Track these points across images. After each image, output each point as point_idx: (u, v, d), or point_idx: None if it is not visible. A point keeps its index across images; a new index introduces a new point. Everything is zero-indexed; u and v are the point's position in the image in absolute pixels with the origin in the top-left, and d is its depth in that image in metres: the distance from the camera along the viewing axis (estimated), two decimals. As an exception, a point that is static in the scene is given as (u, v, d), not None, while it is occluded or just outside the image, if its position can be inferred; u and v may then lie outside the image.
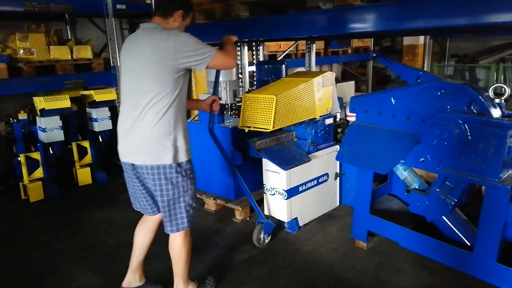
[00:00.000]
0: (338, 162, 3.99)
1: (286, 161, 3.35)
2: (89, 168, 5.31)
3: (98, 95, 5.13)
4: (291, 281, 3.02)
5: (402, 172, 3.23)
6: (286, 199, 3.50)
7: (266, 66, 4.42)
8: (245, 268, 3.21)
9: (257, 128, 3.26)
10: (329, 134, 3.82)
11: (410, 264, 3.15)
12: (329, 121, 3.83)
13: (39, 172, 4.78)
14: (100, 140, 5.37)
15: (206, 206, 4.35)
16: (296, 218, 3.64)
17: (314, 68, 6.57)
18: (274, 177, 3.53)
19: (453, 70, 8.97)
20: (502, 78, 7.69)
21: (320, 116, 3.63)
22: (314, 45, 6.09)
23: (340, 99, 3.94)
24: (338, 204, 4.15)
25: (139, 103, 2.36)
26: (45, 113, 4.63)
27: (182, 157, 2.48)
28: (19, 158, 4.65)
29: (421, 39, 9.21)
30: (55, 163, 5.07)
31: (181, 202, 2.53)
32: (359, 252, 3.36)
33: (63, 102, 4.72)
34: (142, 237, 2.81)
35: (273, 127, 3.15)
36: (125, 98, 2.47)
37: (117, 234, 3.86)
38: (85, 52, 5.21)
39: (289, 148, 3.54)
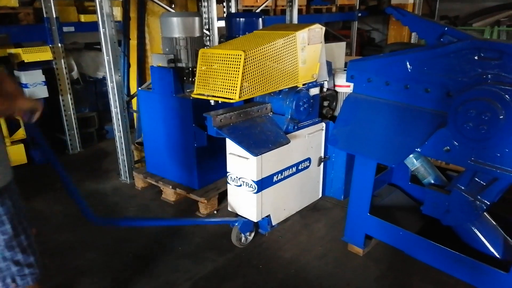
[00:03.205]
0: (322, 145, 3.21)
1: (257, 144, 2.52)
2: (22, 145, 4.35)
3: (28, 55, 4.09)
4: (267, 305, 2.30)
5: (413, 161, 2.48)
6: (255, 192, 2.69)
7: (238, 19, 3.50)
8: (208, 286, 2.45)
9: (216, 97, 2.40)
10: (313, 108, 3.00)
11: (418, 278, 2.48)
12: (314, 91, 3.00)
13: (-48, 152, 3.79)
14: (34, 111, 4.36)
15: (164, 196, 3.53)
16: (268, 216, 2.88)
17: (295, 26, 5.66)
18: (241, 163, 2.71)
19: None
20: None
21: (303, 85, 2.84)
22: (296, -2, 5.17)
23: (328, 64, 3.11)
24: (320, 195, 3.39)
25: None
26: (-47, 76, 3.58)
27: None
28: None
29: (411, -3, 8.43)
30: (-25, 140, 4.08)
31: None
32: (354, 260, 2.66)
33: (-24, 62, 3.67)
34: None
35: (239, 97, 2.30)
36: None
37: (45, 236, 3.01)
38: (7, -2, 4.08)
39: (261, 125, 2.71)
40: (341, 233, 2.84)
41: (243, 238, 2.82)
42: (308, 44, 2.73)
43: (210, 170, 3.33)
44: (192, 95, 2.54)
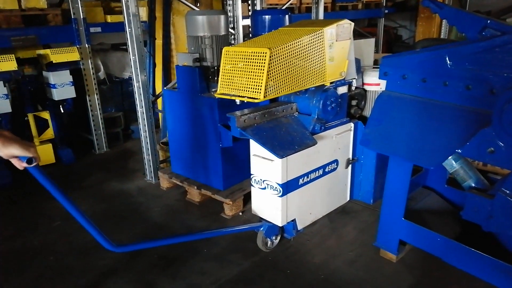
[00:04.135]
0: (351, 146, 3.07)
1: (282, 145, 2.40)
2: (51, 144, 4.42)
3: (56, 55, 4.12)
4: (296, 312, 2.21)
5: (452, 163, 2.34)
6: (280, 196, 2.59)
7: (264, 17, 3.41)
8: (234, 290, 2.39)
9: (240, 97, 2.31)
10: (341, 107, 2.87)
11: (456, 287, 2.34)
12: (342, 89, 2.88)
13: (-16, 151, 3.88)
14: (62, 111, 4.41)
15: (189, 196, 3.49)
16: (293, 220, 2.76)
17: (321, 24, 5.54)
18: (266, 165, 2.61)
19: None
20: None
21: (331, 83, 2.71)
22: (323, -6, 5.04)
23: (357, 61, 2.96)
24: (348, 199, 3.25)
25: None
26: (-16, 77, 3.66)
27: None
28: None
29: (441, -7, 8.13)
30: (5, 140, 4.16)
31: None
32: (386, 266, 2.54)
33: (7, 63, 3.73)
34: None
35: (264, 96, 2.20)
36: None
37: (71, 235, 3.01)
38: (37, 1, 4.14)
39: (287, 126, 2.59)
40: (372, 237, 2.72)
41: (269, 243, 2.73)
42: (336, 41, 2.61)
43: (236, 171, 3.26)
44: (216, 95, 2.47)
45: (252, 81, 2.23)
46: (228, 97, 2.38)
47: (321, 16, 5.49)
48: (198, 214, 3.27)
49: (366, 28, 10.14)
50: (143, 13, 4.77)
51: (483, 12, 8.78)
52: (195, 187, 3.34)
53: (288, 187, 2.62)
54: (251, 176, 2.74)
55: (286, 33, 2.51)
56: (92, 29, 4.56)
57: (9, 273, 2.60)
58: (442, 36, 8.32)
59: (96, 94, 4.61)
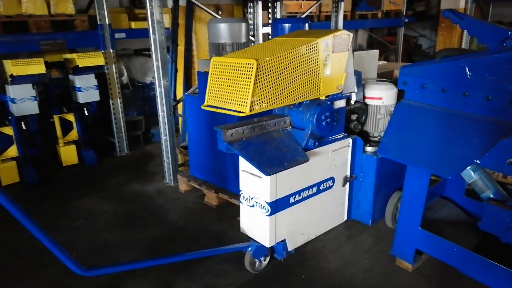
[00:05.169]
0: (348, 163, 2.90)
1: (271, 161, 2.24)
2: (74, 146, 4.57)
3: (82, 60, 4.28)
4: (311, 317, 2.24)
5: (470, 173, 2.33)
6: (269, 215, 2.43)
7: (284, 25, 3.47)
8: (249, 292, 2.43)
9: (226, 109, 2.18)
10: (338, 122, 2.69)
11: (474, 298, 2.33)
12: (339, 103, 2.73)
13: (12, 151, 4.05)
14: (86, 114, 4.56)
15: (207, 199, 3.56)
16: (283, 241, 2.61)
17: (340, 32, 5.57)
18: (254, 182, 2.46)
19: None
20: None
21: (326, 97, 2.55)
22: (342, 3, 5.08)
23: (357, 74, 2.78)
24: (345, 218, 3.05)
25: None
26: (15, 80, 3.82)
27: None
28: (-13, 134, 3.91)
29: (462, 2, 8.05)
30: (32, 140, 4.32)
31: None
32: (402, 275, 2.54)
33: (36, 67, 3.88)
34: None
35: (250, 110, 2.05)
36: None
37: (93, 234, 3.11)
38: (65, 7, 4.31)
39: (278, 141, 2.40)
40: (388, 246, 2.72)
41: (257, 264, 2.61)
42: (333, 52, 2.45)
43: (253, 176, 3.30)
44: (202, 107, 2.34)
45: (238, 94, 2.11)
46: (214, 110, 2.27)
47: (340, 24, 5.52)
48: (215, 217, 3.33)
49: (386, 37, 10.12)
50: (166, 20, 4.90)
51: (506, 23, 8.66)
52: (213, 191, 3.40)
53: (278, 205, 2.48)
54: (240, 192, 2.61)
55: (280, 44, 2.39)
56: (116, 35, 4.71)
57: (33, 269, 2.70)
58: (463, 46, 8.23)
59: (119, 98, 4.74)
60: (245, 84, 2.07)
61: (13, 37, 4.03)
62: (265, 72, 2.09)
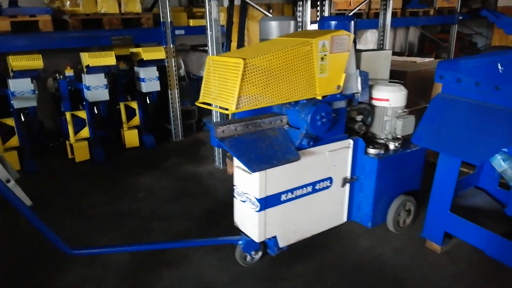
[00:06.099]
0: (349, 164, 2.83)
1: (259, 158, 2.27)
2: (136, 130, 5.10)
3: (146, 53, 4.79)
4: (342, 285, 2.50)
5: (500, 162, 2.47)
6: (258, 211, 2.47)
7: (330, 22, 3.71)
8: (286, 261, 2.73)
9: (215, 106, 2.37)
10: (337, 122, 2.66)
11: (499, 280, 2.47)
12: (338, 104, 2.67)
13: (85, 132, 4.63)
14: (148, 102, 5.08)
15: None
16: (274, 237, 2.63)
17: (388, 30, 5.68)
18: (245, 178, 2.51)
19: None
20: None
21: (323, 97, 2.53)
22: (391, 1, 5.19)
23: (363, 74, 2.75)
24: (344, 219, 3.00)
25: None
26: (90, 70, 4.39)
27: None
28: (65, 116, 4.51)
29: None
30: (101, 124, 4.91)
31: None
32: (431, 256, 2.72)
33: (108, 59, 4.43)
34: None
35: (236, 108, 2.13)
36: None
37: (153, 204, 3.57)
38: (134, 6, 4.84)
39: (271, 139, 2.42)
40: (419, 229, 2.90)
41: (248, 257, 2.67)
42: (330, 53, 2.43)
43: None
44: (196, 103, 2.46)
45: (227, 92, 2.19)
46: (206, 106, 2.41)
47: (388, 21, 5.61)
48: (259, 198, 3.67)
49: (439, 34, 9.94)
50: (221, 18, 5.30)
51: None
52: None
53: (267, 202, 2.49)
54: (234, 187, 2.70)
55: (276, 43, 2.44)
56: (177, 32, 5.18)
57: (106, 231, 3.19)
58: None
59: (177, 89, 5.22)
60: (233, 83, 2.15)
61: (90, 32, 4.61)
62: (253, 71, 2.15)
